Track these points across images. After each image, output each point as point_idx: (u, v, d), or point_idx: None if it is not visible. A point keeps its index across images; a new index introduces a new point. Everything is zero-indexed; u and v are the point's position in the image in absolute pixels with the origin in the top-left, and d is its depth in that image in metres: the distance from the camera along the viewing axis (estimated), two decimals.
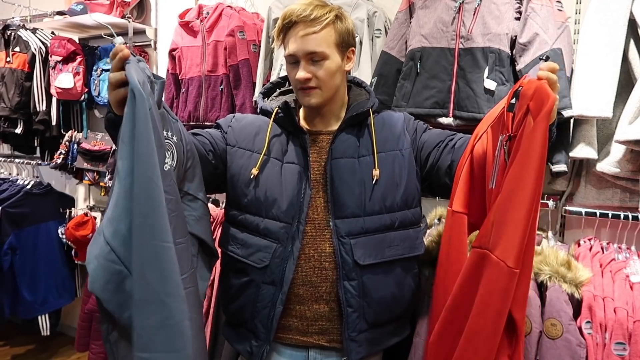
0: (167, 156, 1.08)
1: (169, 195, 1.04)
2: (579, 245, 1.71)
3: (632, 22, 1.61)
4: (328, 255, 1.26)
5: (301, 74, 1.23)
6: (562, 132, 1.70)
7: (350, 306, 1.25)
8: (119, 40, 1.08)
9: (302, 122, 1.36)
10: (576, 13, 1.88)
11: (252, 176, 1.28)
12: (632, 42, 1.64)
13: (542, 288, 1.47)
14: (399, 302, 1.32)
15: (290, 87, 1.42)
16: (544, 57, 1.15)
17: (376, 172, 1.27)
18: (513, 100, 1.08)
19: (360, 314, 1.25)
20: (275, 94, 1.43)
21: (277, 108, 1.33)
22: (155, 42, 2.99)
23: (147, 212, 0.98)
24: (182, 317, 1.01)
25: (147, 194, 0.98)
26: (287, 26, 1.24)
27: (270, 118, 1.33)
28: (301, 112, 1.38)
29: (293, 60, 1.25)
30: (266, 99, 1.41)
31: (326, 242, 1.27)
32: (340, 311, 1.26)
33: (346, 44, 1.29)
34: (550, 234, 1.78)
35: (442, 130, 1.37)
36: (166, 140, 1.09)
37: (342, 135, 1.31)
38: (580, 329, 1.42)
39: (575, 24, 1.87)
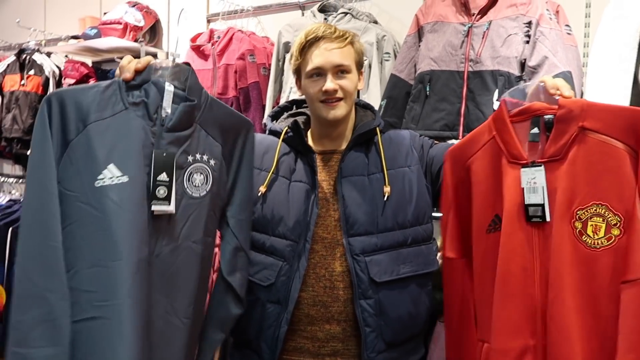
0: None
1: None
2: None
3: None
4: (339, 274, 1.26)
5: (330, 85, 1.25)
6: None
7: (368, 325, 1.23)
8: (173, 54, 1.16)
9: (313, 143, 1.36)
10: (585, 36, 1.88)
11: (259, 194, 1.29)
12: None
13: None
14: (415, 320, 1.30)
15: (298, 111, 1.44)
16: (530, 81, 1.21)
17: (387, 189, 1.27)
18: (536, 130, 1.07)
19: (378, 334, 1.24)
20: (283, 116, 1.44)
21: (286, 128, 1.34)
22: None
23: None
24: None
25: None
26: (311, 42, 1.27)
27: (279, 138, 1.34)
28: (310, 132, 1.39)
29: (317, 73, 1.27)
30: (274, 121, 1.42)
31: (337, 261, 1.26)
32: (353, 332, 1.25)
33: (361, 64, 1.33)
34: None
35: (447, 143, 1.38)
36: (196, 163, 1.16)
37: (350, 154, 1.32)
38: None
39: (584, 47, 1.87)
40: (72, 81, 2.96)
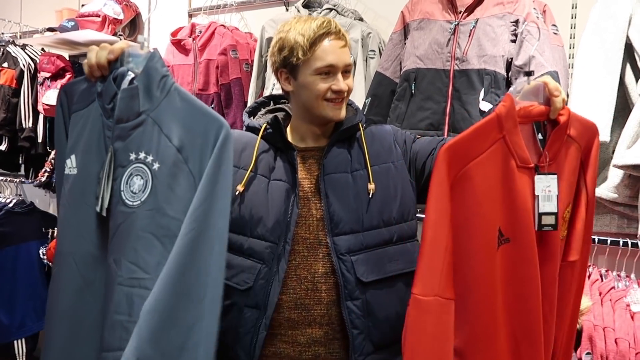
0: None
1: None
2: None
3: (628, 46, 1.60)
4: (321, 275, 1.21)
5: (342, 85, 1.21)
6: None
7: (355, 328, 1.19)
8: (140, 38, 1.07)
9: (293, 139, 1.32)
10: (571, 37, 1.87)
11: (237, 193, 1.23)
12: (628, 66, 1.63)
13: None
14: (403, 320, 1.25)
15: (277, 106, 1.40)
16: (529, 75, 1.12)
17: (372, 186, 1.23)
18: (540, 136, 1.07)
19: (366, 335, 1.20)
20: (261, 112, 1.39)
21: (265, 124, 1.29)
22: None
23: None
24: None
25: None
26: (323, 36, 1.20)
27: (257, 135, 1.29)
28: (289, 128, 1.34)
29: (327, 71, 1.21)
30: (252, 117, 1.37)
31: (319, 262, 1.22)
32: (336, 335, 1.21)
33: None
34: None
35: (431, 137, 1.34)
36: (138, 163, 0.96)
37: (333, 150, 1.27)
38: None
39: (570, 48, 1.86)
40: (48, 75, 2.87)
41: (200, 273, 0.92)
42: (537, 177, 1.03)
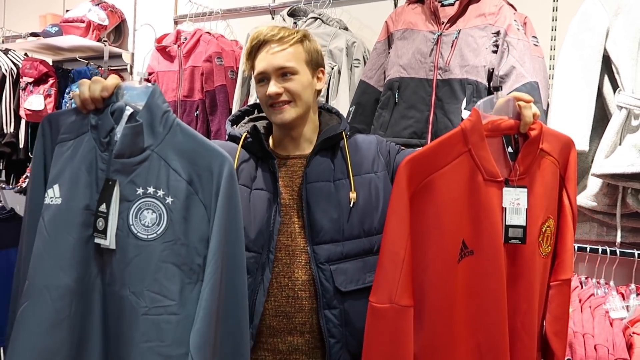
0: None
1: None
2: None
3: (605, 58, 1.63)
4: (303, 283, 1.21)
5: (273, 88, 1.22)
6: None
7: (332, 337, 1.19)
8: (139, 72, 1.07)
9: (275, 147, 1.33)
10: (551, 49, 1.91)
11: None
12: (606, 77, 1.66)
13: None
14: None
15: (260, 115, 1.40)
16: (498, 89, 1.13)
17: (353, 195, 1.23)
18: (510, 149, 1.07)
19: (343, 344, 1.19)
20: (244, 121, 1.40)
21: (245, 133, 1.29)
22: (131, 67, 2.94)
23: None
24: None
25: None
26: (256, 47, 1.25)
27: (238, 144, 1.29)
28: (272, 137, 1.35)
29: (263, 78, 1.25)
30: (235, 126, 1.38)
31: (300, 270, 1.22)
32: (317, 343, 1.20)
33: (315, 62, 1.29)
34: None
35: (414, 149, 1.35)
36: (147, 198, 0.98)
37: (316, 159, 1.28)
38: None
39: (550, 59, 1.89)
40: (30, 80, 2.84)
41: (234, 302, 1.02)
42: (505, 190, 1.03)
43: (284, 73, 1.22)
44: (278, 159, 1.29)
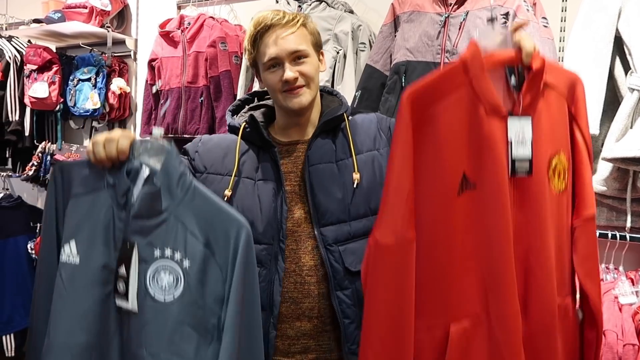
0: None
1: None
2: None
3: (617, 39, 1.60)
4: (310, 268, 1.21)
5: (289, 73, 1.19)
6: None
7: (346, 317, 1.19)
8: (156, 132, 1.02)
9: (278, 134, 1.31)
10: (561, 30, 1.87)
11: (225, 199, 1.22)
12: (617, 59, 1.63)
13: None
14: None
15: (260, 103, 1.38)
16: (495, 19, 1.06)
17: (356, 176, 1.22)
18: (513, 82, 1.01)
19: (357, 324, 1.19)
20: (244, 110, 1.38)
21: (244, 123, 1.28)
22: (135, 53, 2.92)
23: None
24: None
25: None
26: (262, 32, 1.21)
27: (238, 135, 1.28)
28: (276, 124, 1.33)
29: (274, 64, 1.22)
30: (235, 115, 1.36)
31: (307, 255, 1.21)
32: (325, 327, 1.21)
33: (319, 44, 1.28)
34: None
35: None
36: (164, 260, 0.98)
37: (317, 141, 1.26)
38: None
39: (560, 41, 1.86)
40: (34, 67, 2.83)
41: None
42: (509, 121, 0.98)
43: (297, 57, 1.21)
44: (280, 145, 1.27)
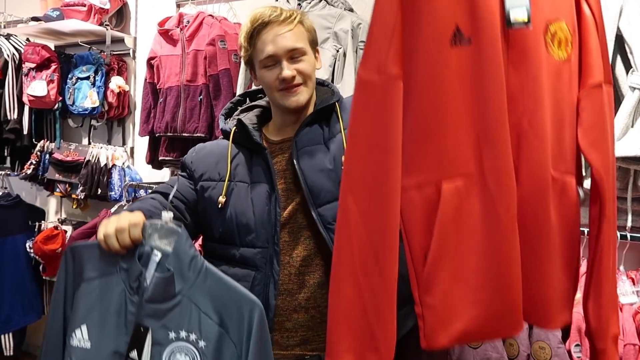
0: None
1: None
2: None
3: (618, 37, 1.59)
4: (304, 259, 1.21)
5: (287, 72, 1.19)
6: None
7: None
8: (165, 216, 1.03)
9: (272, 134, 1.31)
10: None
11: (220, 205, 1.23)
12: (618, 58, 1.62)
13: None
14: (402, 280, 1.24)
15: (253, 104, 1.38)
16: None
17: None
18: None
19: None
20: (236, 112, 1.37)
21: (234, 128, 1.28)
22: (134, 51, 2.92)
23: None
24: None
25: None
26: (259, 28, 1.21)
27: (229, 140, 1.29)
28: (272, 123, 1.33)
29: (272, 62, 1.21)
30: (228, 119, 1.35)
31: (301, 245, 1.22)
32: (323, 317, 1.18)
33: (315, 42, 1.28)
34: None
35: None
36: (179, 342, 1.00)
37: (306, 129, 1.26)
38: (569, 352, 1.36)
39: None
40: (33, 65, 2.82)
41: None
42: None
43: (294, 55, 1.20)
44: (273, 145, 1.27)
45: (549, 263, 0.97)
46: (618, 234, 1.59)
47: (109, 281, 1.03)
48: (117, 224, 1.00)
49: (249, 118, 1.31)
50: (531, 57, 0.95)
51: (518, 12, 0.93)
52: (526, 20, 0.93)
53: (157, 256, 1.02)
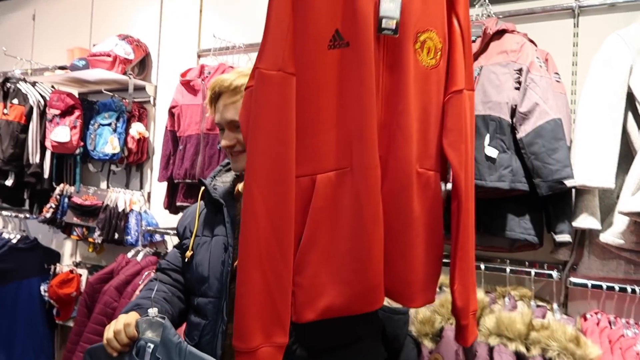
0: None
1: None
2: (585, 319, 1.65)
3: (629, 95, 1.64)
4: None
5: (224, 141, 1.28)
6: (565, 202, 1.68)
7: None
8: (151, 312, 1.19)
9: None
10: (572, 84, 1.91)
11: (186, 260, 1.32)
12: (630, 114, 1.66)
13: None
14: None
15: None
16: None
17: None
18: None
19: (299, 343, 1.16)
20: (220, 172, 1.45)
21: (203, 187, 1.36)
22: (154, 99, 3.01)
23: None
24: None
25: None
26: (214, 97, 1.30)
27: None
28: None
29: (221, 128, 1.30)
30: (214, 178, 1.43)
31: None
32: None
33: None
34: (555, 306, 1.72)
35: None
36: None
37: None
38: None
39: (572, 94, 1.90)
40: (57, 112, 2.92)
41: None
42: None
43: (236, 125, 1.25)
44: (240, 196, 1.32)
45: (412, 248, 1.07)
46: (637, 288, 1.59)
47: None
48: (114, 327, 1.16)
49: (225, 176, 1.40)
50: (401, 63, 1.05)
51: (387, 21, 1.03)
52: (394, 28, 1.03)
53: (150, 347, 1.17)
